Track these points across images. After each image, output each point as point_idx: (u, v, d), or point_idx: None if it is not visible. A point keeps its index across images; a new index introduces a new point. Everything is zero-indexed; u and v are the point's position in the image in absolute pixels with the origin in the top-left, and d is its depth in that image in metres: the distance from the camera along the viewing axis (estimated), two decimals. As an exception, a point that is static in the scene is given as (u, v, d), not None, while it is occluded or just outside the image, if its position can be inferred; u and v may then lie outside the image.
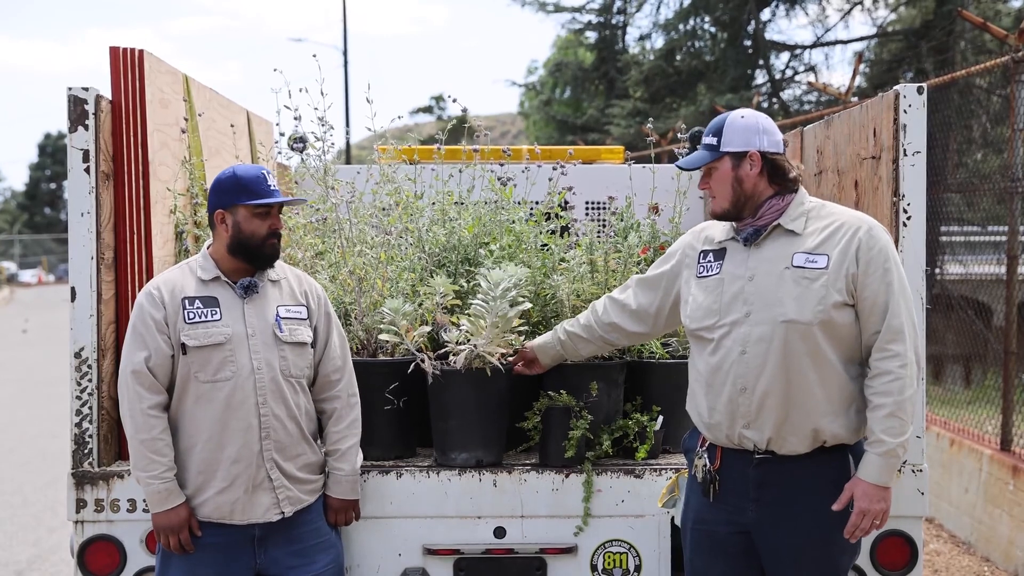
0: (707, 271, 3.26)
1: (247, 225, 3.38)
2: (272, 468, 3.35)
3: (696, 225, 3.48)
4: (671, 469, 3.67)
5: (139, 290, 3.80)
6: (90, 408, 3.65)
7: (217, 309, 3.35)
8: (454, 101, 4.49)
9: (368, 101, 4.33)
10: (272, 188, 3.40)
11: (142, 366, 3.29)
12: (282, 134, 4.38)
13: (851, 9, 17.75)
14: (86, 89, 3.68)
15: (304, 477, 3.44)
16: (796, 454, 3.11)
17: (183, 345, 3.31)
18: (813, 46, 18.18)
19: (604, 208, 5.02)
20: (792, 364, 3.06)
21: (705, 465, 3.22)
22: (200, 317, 3.33)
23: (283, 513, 3.38)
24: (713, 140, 3.21)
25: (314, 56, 4.16)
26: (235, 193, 3.37)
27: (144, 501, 3.59)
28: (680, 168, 3.31)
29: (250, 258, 3.40)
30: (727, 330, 3.14)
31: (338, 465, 3.49)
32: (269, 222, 3.40)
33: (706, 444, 3.25)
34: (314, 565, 3.43)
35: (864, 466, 3.07)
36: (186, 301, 3.34)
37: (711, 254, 3.27)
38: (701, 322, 3.21)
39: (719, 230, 3.30)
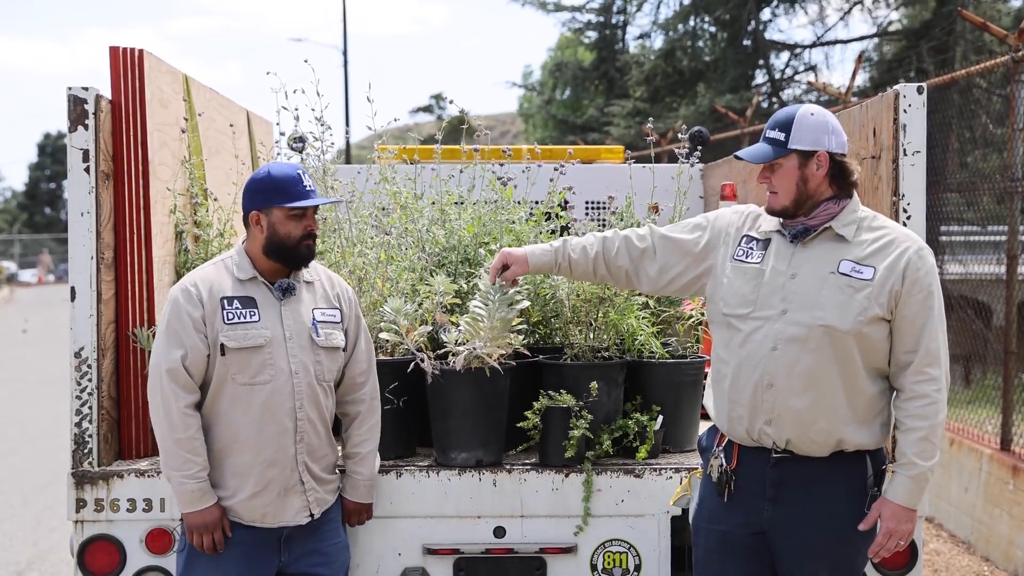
0: (746, 256, 3.18)
1: (282, 227, 3.31)
2: (304, 471, 3.34)
3: (741, 205, 3.38)
4: (671, 469, 3.67)
5: (139, 290, 3.81)
6: (90, 408, 3.65)
7: (256, 310, 3.29)
8: (452, 103, 4.50)
9: (369, 100, 4.33)
10: (307, 189, 3.32)
11: (178, 364, 3.22)
12: (282, 134, 4.38)
13: (851, 9, 17.76)
14: (86, 89, 3.68)
15: (328, 477, 3.44)
16: (815, 456, 3.09)
17: (222, 346, 3.25)
18: (813, 46, 18.21)
19: (604, 208, 5.02)
20: (822, 368, 3.03)
21: (721, 465, 3.17)
22: (239, 318, 3.27)
23: (312, 515, 3.37)
24: (780, 135, 3.09)
25: (306, 61, 4.17)
26: (270, 194, 3.30)
27: (144, 501, 3.61)
28: (741, 159, 3.17)
29: (286, 260, 3.34)
30: (759, 324, 3.09)
31: (357, 469, 3.48)
32: (304, 223, 3.32)
33: (723, 443, 3.20)
34: (335, 564, 3.44)
35: (893, 488, 3.06)
36: (225, 301, 3.27)
37: (754, 241, 3.19)
38: (735, 309, 3.14)
39: (768, 220, 3.22)
